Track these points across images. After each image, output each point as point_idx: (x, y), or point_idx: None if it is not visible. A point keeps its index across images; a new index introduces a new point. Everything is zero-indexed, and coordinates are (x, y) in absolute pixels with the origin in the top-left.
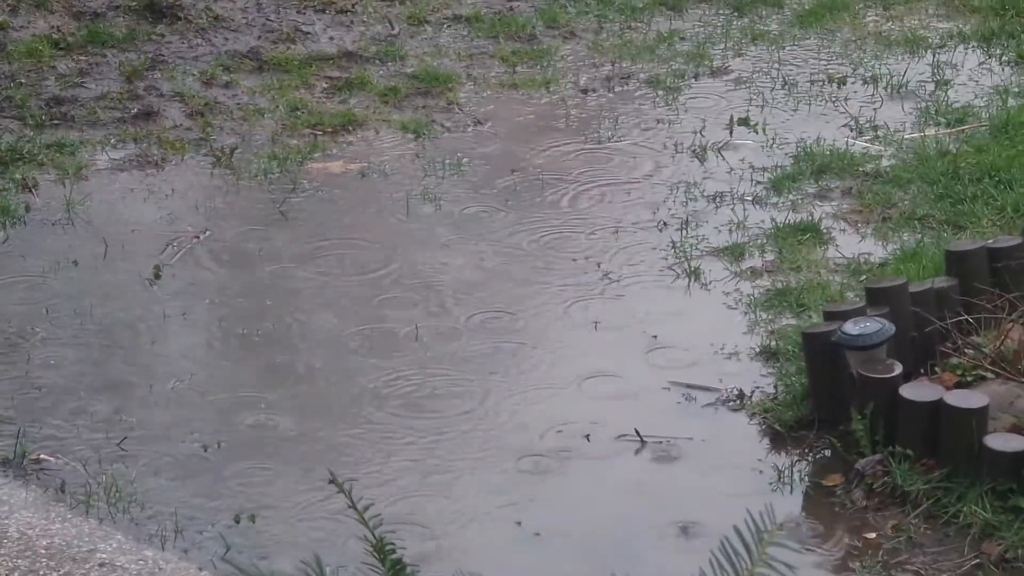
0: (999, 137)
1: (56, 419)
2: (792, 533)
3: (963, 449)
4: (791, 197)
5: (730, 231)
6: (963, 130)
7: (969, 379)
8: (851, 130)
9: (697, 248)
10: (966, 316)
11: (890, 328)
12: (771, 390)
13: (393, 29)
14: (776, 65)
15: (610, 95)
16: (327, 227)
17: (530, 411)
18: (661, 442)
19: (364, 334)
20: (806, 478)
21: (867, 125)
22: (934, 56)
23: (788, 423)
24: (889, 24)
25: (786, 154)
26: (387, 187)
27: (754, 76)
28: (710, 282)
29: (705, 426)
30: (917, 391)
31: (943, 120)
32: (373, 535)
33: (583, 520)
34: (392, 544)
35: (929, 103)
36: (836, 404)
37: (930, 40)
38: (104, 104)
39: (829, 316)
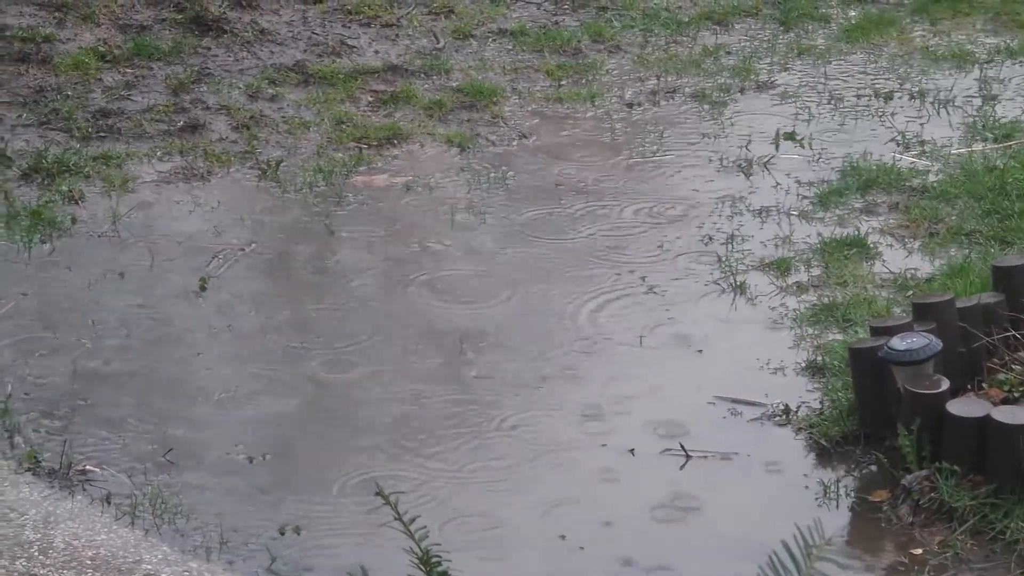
0: None
1: (102, 430)
2: (839, 549)
3: (1010, 465)
4: (837, 212)
5: (776, 245)
6: (1010, 145)
7: (1016, 395)
8: (898, 145)
9: (743, 263)
10: (1013, 332)
11: (937, 344)
12: (817, 405)
13: (438, 43)
14: (822, 80)
15: (655, 109)
16: (372, 240)
17: (574, 426)
18: (706, 457)
19: (409, 346)
20: (852, 494)
21: (914, 140)
22: (981, 71)
23: (834, 438)
24: (936, 39)
25: (832, 169)
26: (432, 200)
27: (800, 91)
28: (756, 297)
29: (750, 441)
30: (964, 407)
31: (990, 135)
32: (419, 547)
33: (627, 535)
34: (438, 556)
35: (976, 118)
36: (882, 420)
37: (977, 55)
38: (150, 117)
39: (876, 331)
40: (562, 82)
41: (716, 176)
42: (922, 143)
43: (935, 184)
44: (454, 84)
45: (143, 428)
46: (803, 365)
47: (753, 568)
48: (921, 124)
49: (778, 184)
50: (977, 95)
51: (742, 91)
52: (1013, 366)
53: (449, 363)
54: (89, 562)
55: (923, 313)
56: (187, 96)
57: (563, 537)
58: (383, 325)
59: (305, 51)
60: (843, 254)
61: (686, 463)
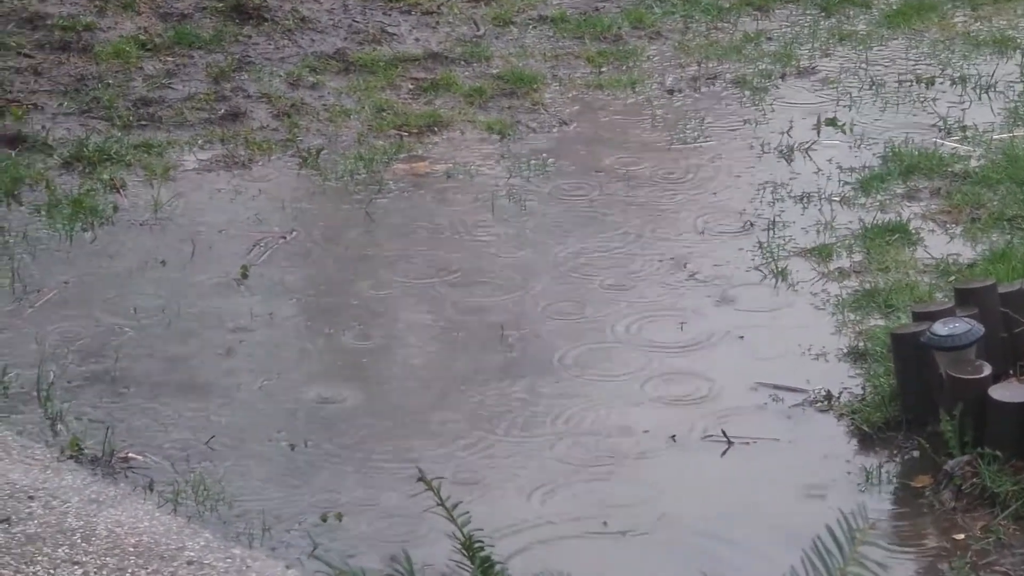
0: None
1: (144, 418)
2: (882, 533)
3: None
4: (879, 197)
5: (818, 231)
6: None
7: None
8: (939, 130)
9: (784, 249)
10: None
11: (979, 329)
12: (859, 391)
13: (478, 30)
14: (864, 65)
15: (696, 95)
16: (413, 227)
17: (617, 412)
18: (748, 443)
19: (451, 334)
20: (894, 479)
21: (955, 125)
22: (1023, 56)
23: (876, 424)
24: (977, 24)
25: (874, 154)
26: (472, 187)
27: (841, 76)
28: (797, 283)
29: (792, 427)
30: (1006, 392)
31: None
32: (462, 533)
33: (670, 521)
34: (481, 542)
35: (1018, 103)
36: (925, 405)
37: (1019, 40)
38: (191, 105)
39: (918, 317)
40: (603, 69)
41: (757, 162)
42: (964, 128)
43: (977, 169)
44: (494, 71)
45: (185, 415)
46: (845, 351)
47: (797, 553)
48: (963, 109)
49: (819, 170)
50: (1018, 80)
51: (783, 77)
52: None
53: (490, 349)
54: (132, 549)
55: (965, 298)
56: (228, 84)
57: (605, 523)
58: (425, 312)
59: (346, 39)
60: (885, 240)
61: (728, 449)
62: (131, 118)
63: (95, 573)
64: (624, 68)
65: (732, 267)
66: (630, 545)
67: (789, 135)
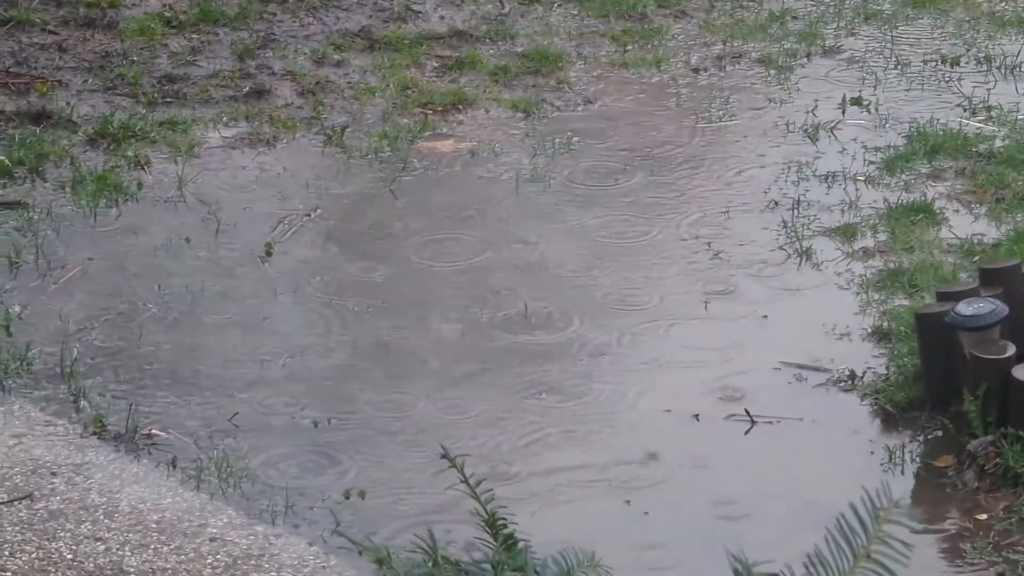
0: None
1: (167, 394)
2: (905, 512)
3: None
4: (904, 177)
5: (842, 211)
6: None
7: None
8: (964, 110)
9: (809, 228)
10: None
11: (1004, 309)
12: (883, 371)
13: (503, 8)
14: (889, 45)
15: (721, 74)
16: (437, 205)
17: (639, 392)
18: (771, 422)
19: (475, 311)
20: (918, 459)
21: (980, 105)
22: None
23: (900, 404)
24: (1003, 4)
25: (899, 134)
26: (497, 166)
27: (867, 56)
28: (822, 262)
29: (816, 406)
30: None
31: None
32: (485, 510)
33: (692, 500)
34: (504, 519)
35: None
36: (948, 385)
37: None
38: (216, 82)
39: (942, 297)
40: (627, 47)
41: (782, 141)
42: (988, 108)
43: (1001, 149)
44: (519, 50)
45: (209, 392)
46: (869, 331)
47: (820, 531)
48: (988, 89)
49: (844, 149)
50: None
51: (808, 56)
52: None
53: (513, 329)
54: (154, 525)
55: (989, 278)
56: (253, 62)
57: (628, 502)
58: (448, 290)
59: (371, 16)
60: (909, 219)
61: (751, 428)
62: (156, 95)
63: (118, 549)
64: (649, 47)
65: (756, 246)
66: (652, 523)
67: (814, 114)
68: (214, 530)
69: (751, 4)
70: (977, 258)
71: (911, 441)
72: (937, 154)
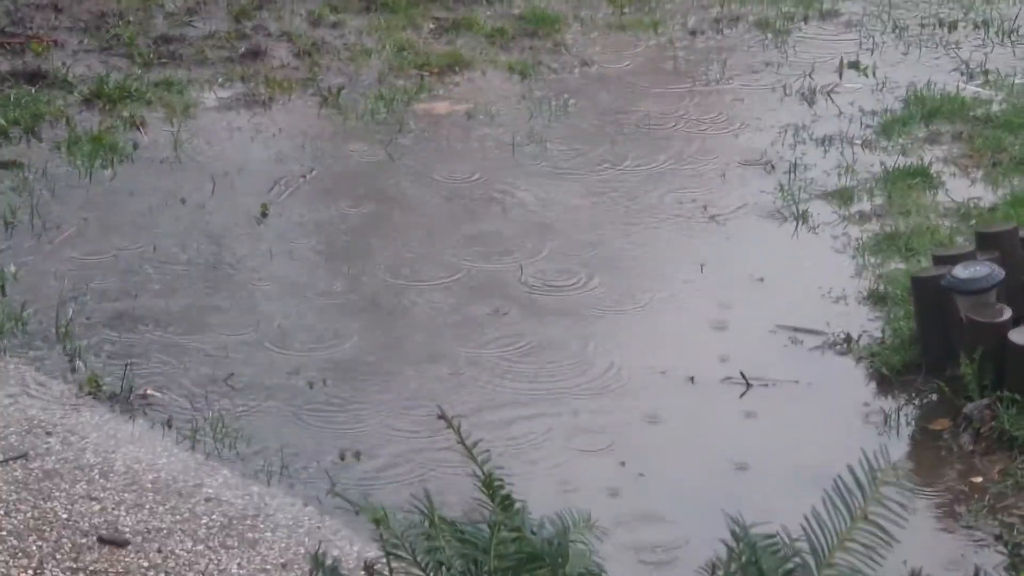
0: None
1: (163, 355)
2: (903, 474)
3: None
4: (901, 141)
5: (839, 175)
6: None
7: None
8: (961, 74)
9: (805, 191)
10: None
11: (1000, 272)
12: (879, 334)
13: None
14: (887, 8)
15: (718, 37)
16: (433, 167)
17: (634, 353)
18: (767, 385)
19: (469, 273)
20: (913, 422)
21: (978, 69)
22: None
23: (895, 367)
24: None
25: (896, 98)
26: (493, 128)
27: (864, 19)
28: (818, 225)
29: (811, 369)
30: None
31: None
32: (482, 471)
33: (688, 462)
34: (500, 480)
35: None
36: (944, 349)
37: None
38: (212, 43)
39: (938, 260)
40: (625, 10)
41: (779, 104)
42: (986, 72)
43: (998, 114)
44: (516, 11)
45: (204, 353)
46: (865, 294)
47: (817, 493)
48: (985, 53)
49: (841, 113)
50: None
51: (806, 19)
52: None
53: (509, 288)
54: (150, 485)
55: (986, 242)
56: (249, 23)
57: (623, 464)
58: (444, 251)
59: None
60: (906, 183)
61: (747, 391)
62: (151, 56)
63: (113, 509)
64: (646, 9)
65: (752, 209)
66: (648, 485)
67: (811, 78)
68: (209, 490)
69: None
70: (973, 222)
71: (907, 404)
72: (934, 118)
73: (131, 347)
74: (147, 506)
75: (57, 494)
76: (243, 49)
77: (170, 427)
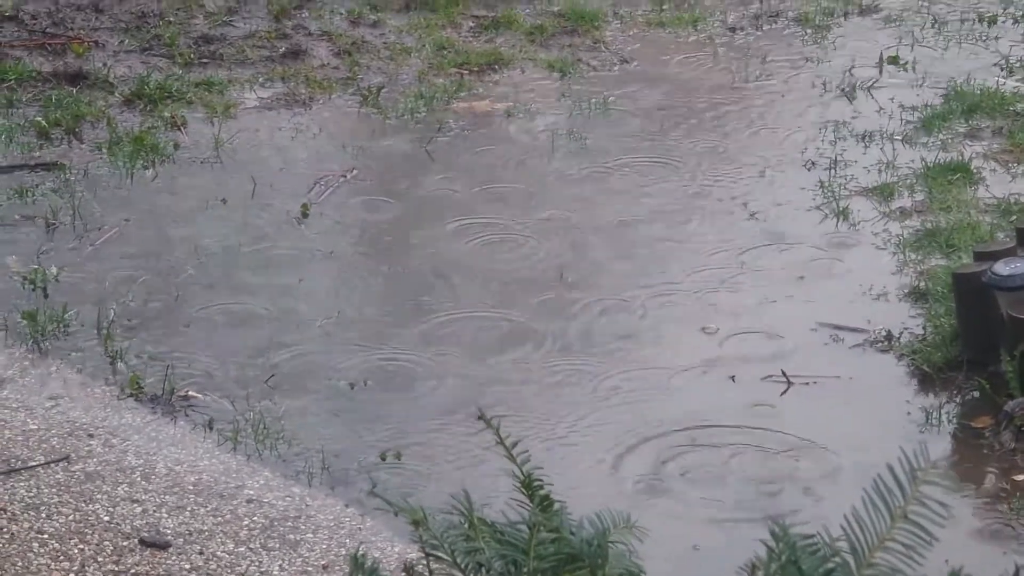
0: None
1: (204, 356)
2: (942, 472)
3: None
4: (941, 136)
5: (879, 171)
6: None
7: None
8: (1001, 69)
9: (845, 188)
10: None
11: None
12: (920, 331)
13: None
14: (926, 3)
15: (758, 33)
16: (473, 166)
17: (676, 351)
18: (808, 383)
19: (511, 273)
20: (954, 420)
21: (1018, 64)
22: None
23: (937, 364)
24: None
25: (936, 93)
26: (533, 126)
27: (904, 14)
28: (858, 222)
29: (852, 367)
30: None
31: None
32: (521, 471)
33: (728, 461)
34: (540, 480)
35: None
36: (985, 345)
37: None
38: (252, 43)
39: (979, 256)
40: (664, 6)
41: (819, 101)
42: None
43: None
44: (555, 9)
45: (245, 354)
46: (906, 291)
47: (858, 492)
48: None
49: (881, 108)
50: None
51: (845, 15)
52: None
53: (551, 288)
54: (191, 487)
55: None
56: (289, 22)
57: (664, 463)
58: (485, 250)
59: None
60: (947, 179)
61: (787, 389)
62: (192, 56)
63: (155, 511)
64: (686, 5)
65: (793, 206)
66: (689, 484)
67: (851, 73)
68: (251, 492)
69: None
70: (1014, 217)
71: (948, 402)
72: (974, 113)
73: (172, 348)
74: (189, 508)
75: (99, 496)
76: (283, 49)
77: (211, 429)
